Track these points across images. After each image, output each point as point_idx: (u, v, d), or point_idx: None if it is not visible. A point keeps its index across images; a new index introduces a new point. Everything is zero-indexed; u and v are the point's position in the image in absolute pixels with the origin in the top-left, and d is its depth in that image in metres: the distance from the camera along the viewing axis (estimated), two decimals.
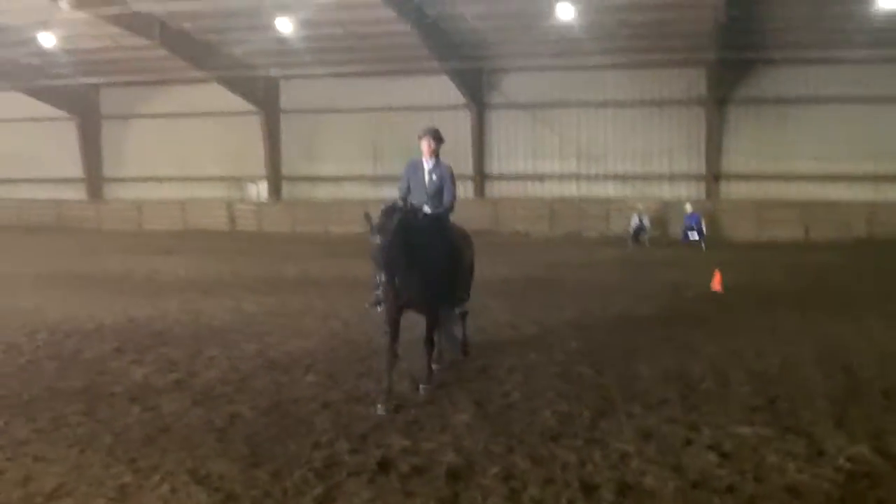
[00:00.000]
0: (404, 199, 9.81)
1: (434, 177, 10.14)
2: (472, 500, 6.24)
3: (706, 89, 35.33)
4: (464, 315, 11.15)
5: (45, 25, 33.46)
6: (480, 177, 38.80)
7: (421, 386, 9.46)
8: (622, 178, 37.28)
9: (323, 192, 40.55)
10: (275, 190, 41.99)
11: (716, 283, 18.35)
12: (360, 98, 38.82)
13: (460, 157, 38.31)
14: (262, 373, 10.42)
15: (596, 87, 36.54)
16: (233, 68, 37.80)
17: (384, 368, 9.20)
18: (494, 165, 39.00)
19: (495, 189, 39.10)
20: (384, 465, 6.96)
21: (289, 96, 41.06)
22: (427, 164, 10.19)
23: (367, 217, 8.72)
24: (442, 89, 37.65)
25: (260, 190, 42.33)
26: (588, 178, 37.83)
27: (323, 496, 6.35)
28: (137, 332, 13.16)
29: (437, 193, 10.13)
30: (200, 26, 34.78)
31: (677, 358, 11.16)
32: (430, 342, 9.61)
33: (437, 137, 10.23)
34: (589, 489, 6.42)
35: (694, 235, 31.73)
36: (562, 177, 38.11)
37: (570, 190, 38.06)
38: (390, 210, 8.81)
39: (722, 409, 8.65)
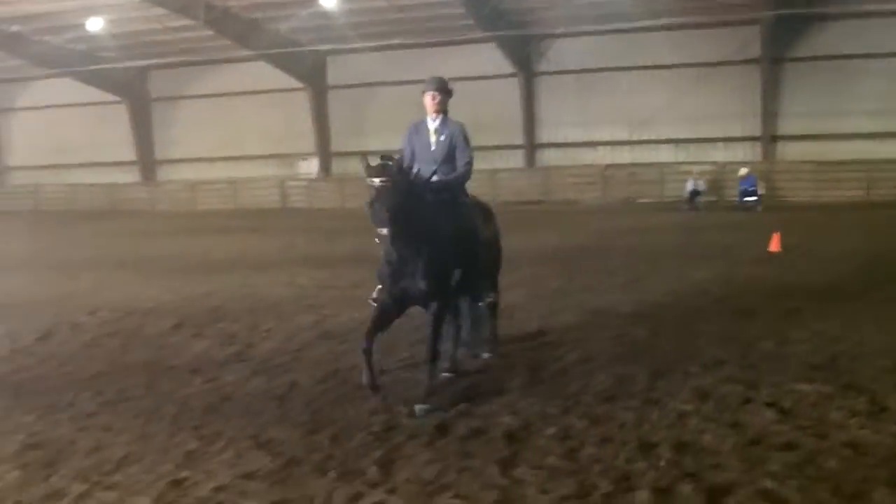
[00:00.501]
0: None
1: (442, 137, 8.46)
2: (530, 460, 6.27)
3: (761, 48, 34.71)
4: (493, 307, 9.17)
5: (92, 10, 33.82)
6: (531, 146, 38.64)
7: (417, 407, 7.46)
8: (675, 142, 36.90)
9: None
10: (324, 166, 42.20)
11: (774, 245, 18.14)
12: (406, 71, 38.65)
13: (510, 127, 38.27)
14: (318, 343, 10.54)
15: (646, 51, 36.07)
16: (278, 45, 37.94)
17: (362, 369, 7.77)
18: (544, 134, 38.79)
19: (545, 157, 38.92)
20: (442, 429, 7.02)
21: (335, 71, 41.14)
22: (432, 123, 8.53)
23: (364, 158, 7.41)
24: (489, 58, 37.46)
25: (310, 166, 42.56)
26: (640, 143, 37.49)
27: (383, 458, 6.42)
28: (195, 309, 13.36)
29: (448, 159, 8.46)
30: (245, 4, 34.96)
31: (734, 319, 11.09)
32: (431, 350, 7.78)
33: (443, 89, 8.54)
34: (647, 447, 6.41)
35: (750, 198, 31.33)
36: (613, 143, 37.79)
37: (623, 156, 37.74)
38: (389, 156, 7.50)
39: (781, 368, 8.57)
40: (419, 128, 8.62)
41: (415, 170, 8.12)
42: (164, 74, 43.92)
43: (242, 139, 42.41)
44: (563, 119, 38.23)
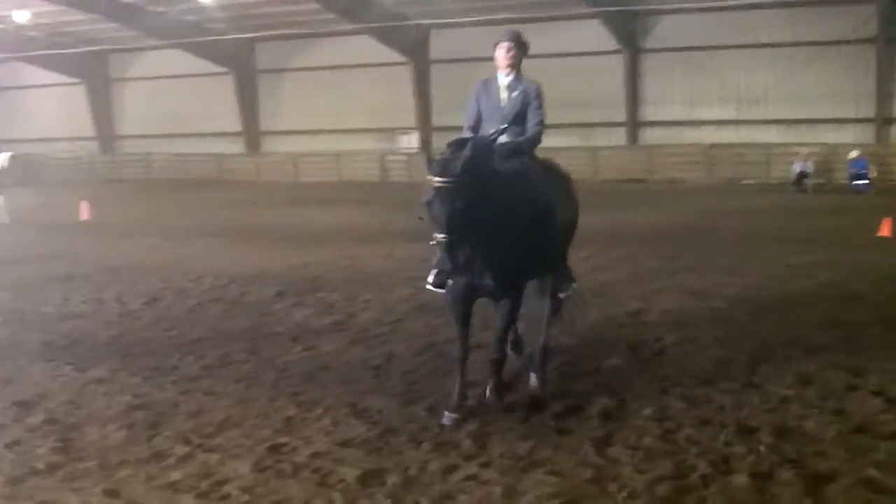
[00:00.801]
0: (473, 130, 7.52)
1: (514, 94, 7.47)
2: (625, 439, 6.24)
3: (877, 27, 33.50)
4: (557, 305, 7.79)
5: None
6: (633, 123, 38.08)
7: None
8: (784, 122, 35.91)
9: None
10: (425, 140, 42.35)
11: (884, 230, 17.59)
12: None
13: (613, 104, 37.76)
14: (415, 315, 10.62)
15: (756, 28, 35.08)
16: (383, 19, 38.10)
17: (455, 370, 6.99)
18: (649, 112, 38.18)
19: (649, 136, 38.33)
20: (537, 405, 7.01)
21: (438, 46, 41.13)
22: (503, 79, 7.54)
23: (426, 149, 6.82)
24: (593, 34, 36.95)
25: (411, 141, 42.75)
26: (747, 123, 36.56)
27: (478, 432, 6.45)
28: (297, 278, 13.58)
29: (518, 119, 7.46)
30: None
31: (840, 304, 10.81)
32: (500, 346, 7.01)
33: (519, 42, 7.59)
34: (746, 431, 6.31)
35: (861, 182, 30.40)
36: (719, 122, 36.97)
37: (729, 135, 36.87)
38: (460, 143, 6.50)
39: (889, 356, 8.29)
40: (488, 85, 7.63)
41: (480, 132, 7.43)
42: (270, 47, 44.47)
43: (345, 112, 42.72)
44: (667, 97, 37.52)
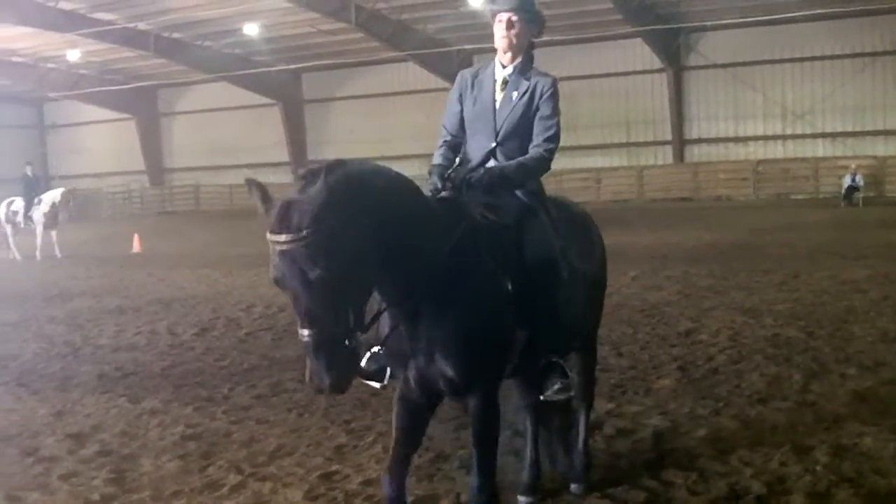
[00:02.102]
0: (447, 157, 5.18)
1: (514, 93, 5.07)
2: (678, 461, 6.16)
3: None
4: (586, 403, 5.81)
5: (248, 16, 34.92)
6: (679, 141, 37.89)
7: None
8: (832, 135, 35.53)
9: None
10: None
11: None
12: (552, 68, 38.30)
13: (658, 123, 37.64)
14: None
15: (801, 41, 34.85)
16: (426, 46, 38.36)
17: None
18: (694, 129, 37.97)
19: (695, 154, 38.10)
20: (589, 428, 6.95)
21: None
22: (501, 69, 5.14)
23: (256, 188, 3.98)
24: (637, 53, 36.98)
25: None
26: (794, 137, 36.27)
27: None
28: None
29: (518, 131, 5.06)
30: (393, 6, 35.45)
31: (895, 320, 10.61)
32: (480, 479, 4.64)
33: (527, 11, 5.07)
34: (801, 451, 6.20)
35: None
36: (766, 138, 36.68)
37: (776, 151, 36.59)
38: (313, 174, 3.88)
39: None
40: (478, 78, 5.23)
41: (458, 155, 5.23)
42: (315, 77, 44.94)
43: (391, 139, 42.96)
44: (712, 114, 37.34)
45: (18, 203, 24.76)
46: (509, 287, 4.57)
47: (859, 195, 31.16)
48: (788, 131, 36.25)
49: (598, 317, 5.96)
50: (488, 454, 4.65)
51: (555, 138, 5.09)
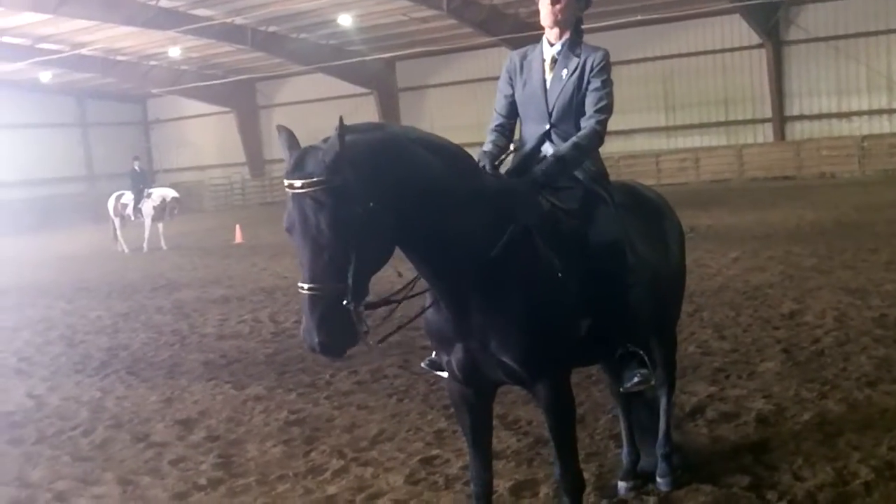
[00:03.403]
0: (498, 143, 4.97)
1: (564, 72, 4.85)
2: (783, 446, 6.05)
3: None
4: (667, 392, 5.65)
5: (342, 6, 35.22)
6: (780, 119, 36.96)
7: None
8: None
9: (612, 146, 40.12)
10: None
11: None
12: (647, 47, 37.94)
13: (758, 100, 36.78)
14: None
15: None
16: (519, 30, 38.13)
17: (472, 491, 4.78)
18: (795, 106, 36.99)
19: (797, 131, 37.13)
20: (692, 412, 6.88)
21: None
22: (549, 48, 4.95)
23: (287, 136, 4.01)
24: (734, 29, 36.16)
25: None
26: None
27: None
28: None
29: (571, 111, 4.85)
30: None
31: None
32: (565, 471, 4.55)
33: None
34: None
35: None
36: (871, 112, 35.53)
37: (882, 126, 35.38)
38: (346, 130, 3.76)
39: None
40: (527, 60, 5.02)
41: (510, 141, 5.05)
42: (409, 64, 45.10)
43: (486, 124, 42.66)
44: (814, 89, 36.29)
45: (128, 196, 25.52)
46: (570, 274, 4.35)
47: None
48: (895, 105, 35.06)
49: (676, 306, 5.77)
50: (567, 441, 4.52)
51: (606, 108, 4.79)
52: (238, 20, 37.27)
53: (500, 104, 5.07)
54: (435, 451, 6.48)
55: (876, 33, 34.40)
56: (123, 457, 6.88)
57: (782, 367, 8.01)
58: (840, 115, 35.91)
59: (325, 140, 3.80)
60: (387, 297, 4.32)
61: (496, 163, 4.76)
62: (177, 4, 34.78)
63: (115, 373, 9.81)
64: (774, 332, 9.38)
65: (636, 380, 4.70)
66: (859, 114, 35.51)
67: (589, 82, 4.79)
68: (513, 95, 5.02)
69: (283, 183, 3.77)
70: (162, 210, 24.91)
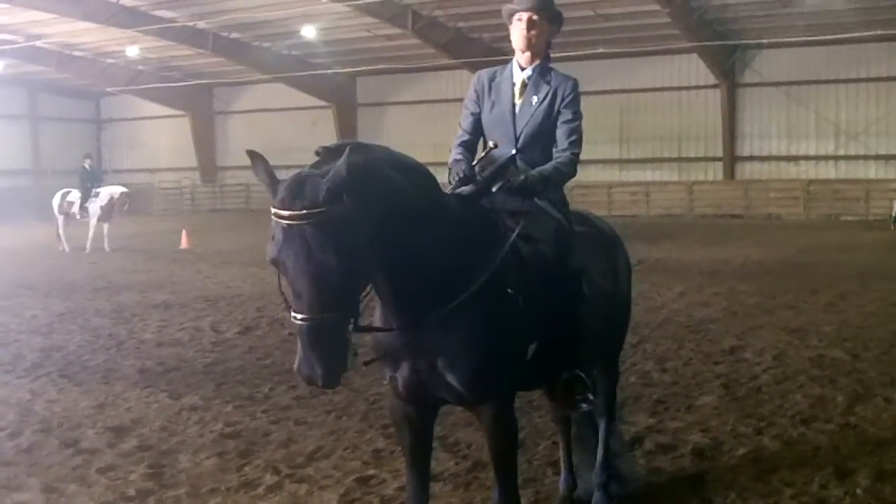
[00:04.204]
0: (464, 159, 4.91)
1: (534, 98, 4.86)
2: (718, 479, 6.09)
3: None
4: (606, 418, 5.67)
5: (307, 18, 35.15)
6: (731, 158, 37.49)
7: None
8: (885, 158, 35.02)
9: None
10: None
11: None
12: (607, 80, 38.31)
13: (710, 138, 37.32)
14: None
15: (856, 62, 34.38)
16: (482, 55, 38.30)
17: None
18: (746, 146, 37.59)
19: (746, 171, 37.71)
20: (630, 442, 6.89)
21: None
22: (520, 71, 4.93)
23: (262, 165, 3.73)
24: (692, 68, 36.74)
25: None
26: (847, 158, 35.79)
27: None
28: None
29: (539, 137, 4.86)
30: (451, 14, 35.46)
31: None
32: (501, 479, 4.44)
33: (547, 10, 4.86)
34: (843, 474, 6.11)
35: None
36: (818, 158, 36.24)
37: (828, 171, 36.12)
38: (334, 150, 3.82)
39: None
40: (496, 81, 4.98)
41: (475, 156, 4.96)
42: (370, 81, 45.10)
43: (444, 145, 42.47)
44: (765, 132, 36.92)
45: (74, 194, 25.07)
46: (523, 297, 4.31)
47: None
48: (841, 152, 35.77)
49: (621, 336, 5.82)
50: (507, 465, 4.44)
51: (579, 142, 4.86)
52: (201, 24, 37.03)
53: (466, 121, 5.06)
54: (371, 471, 6.42)
55: (827, 82, 35.22)
56: (50, 463, 6.72)
57: (720, 402, 8.07)
58: (788, 159, 36.62)
59: (318, 165, 3.75)
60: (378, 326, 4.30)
61: (467, 174, 4.71)
62: (138, 4, 34.51)
63: (47, 375, 9.59)
64: (715, 367, 9.47)
65: (583, 406, 4.75)
66: (807, 158, 36.25)
67: (560, 112, 4.83)
68: (479, 114, 5.01)
69: (271, 212, 3.60)
70: (109, 210, 24.52)
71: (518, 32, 4.83)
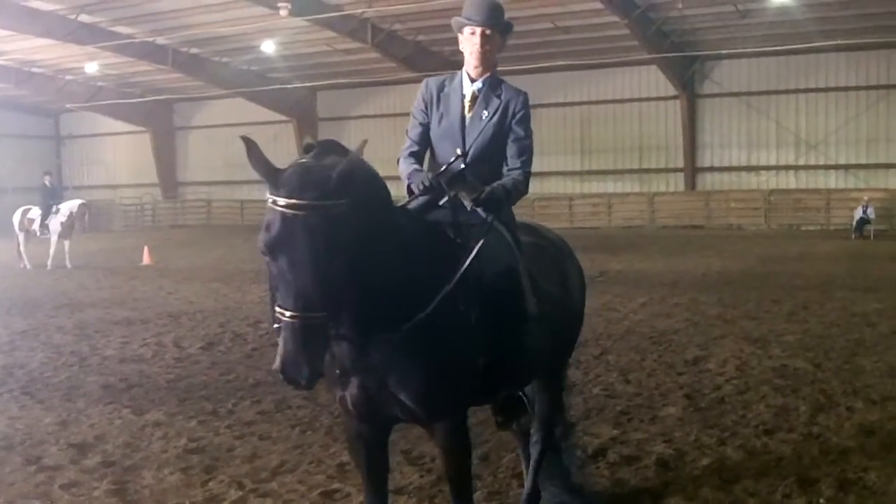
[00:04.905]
0: (422, 169, 4.79)
1: (485, 112, 4.71)
2: (682, 490, 6.12)
3: None
4: (545, 440, 5.54)
5: (266, 33, 35.09)
6: (692, 169, 37.86)
7: None
8: (844, 167, 35.50)
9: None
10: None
11: None
12: (568, 91, 38.61)
13: (671, 149, 37.64)
14: None
15: (816, 72, 34.91)
16: (442, 68, 38.42)
17: None
18: (707, 157, 37.96)
19: (707, 182, 38.06)
20: (594, 454, 6.93)
21: None
22: (470, 83, 4.79)
23: (257, 157, 3.73)
24: (651, 80, 37.07)
25: None
26: (807, 168, 36.24)
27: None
28: None
29: (489, 152, 4.72)
30: (410, 27, 35.54)
31: None
32: (456, 496, 4.46)
33: (499, 24, 4.71)
34: (806, 483, 6.17)
35: None
36: (778, 167, 36.67)
37: (789, 181, 36.56)
38: (328, 145, 3.86)
39: None
40: (445, 92, 4.84)
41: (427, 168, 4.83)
42: (331, 95, 45.10)
43: None
44: (726, 142, 37.34)
45: (35, 211, 24.82)
46: (472, 312, 4.26)
47: (871, 227, 31.09)
48: (801, 161, 36.23)
49: (570, 350, 5.74)
50: (463, 480, 4.42)
51: (530, 161, 4.77)
52: (160, 40, 36.91)
53: (414, 131, 4.89)
54: (336, 485, 6.39)
55: (786, 91, 35.63)
56: (13, 480, 6.64)
57: (684, 413, 8.12)
58: (749, 169, 37.00)
59: (318, 157, 3.70)
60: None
61: (436, 178, 4.54)
62: (97, 20, 34.30)
63: (10, 392, 9.48)
64: (678, 378, 9.53)
65: (520, 422, 4.81)
66: (767, 168, 36.65)
67: (511, 129, 4.71)
68: (428, 125, 4.85)
69: (268, 198, 3.55)
70: (70, 226, 24.26)
71: (471, 47, 4.72)
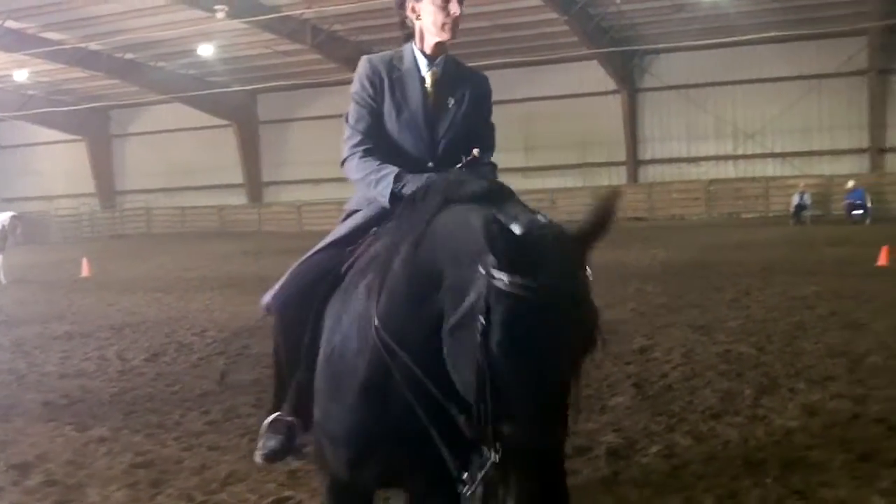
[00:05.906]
0: (402, 174, 3.83)
1: (451, 101, 3.99)
2: (633, 478, 6.16)
3: (868, 60, 33.80)
4: None
5: (204, 37, 34.77)
6: (634, 162, 38.25)
7: None
8: (781, 156, 36.12)
9: None
10: None
11: (882, 259, 17.58)
12: (509, 89, 38.65)
13: (613, 143, 37.97)
14: None
15: (752, 64, 35.44)
16: None
17: None
18: (648, 150, 38.37)
19: (649, 174, 38.48)
20: None
21: None
22: (428, 65, 4.00)
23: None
24: (592, 75, 37.35)
25: None
26: (745, 157, 36.82)
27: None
28: None
29: (462, 148, 3.87)
30: (351, 28, 35.44)
31: (842, 334, 10.77)
32: None
33: None
34: (753, 465, 6.23)
35: (858, 212, 30.54)
36: (718, 158, 37.19)
37: (727, 171, 37.11)
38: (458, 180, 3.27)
39: (890, 383, 8.28)
40: (398, 75, 4.03)
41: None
42: (272, 98, 44.80)
43: None
44: (666, 135, 37.81)
45: None
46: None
47: (807, 214, 31.65)
48: (739, 151, 36.80)
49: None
50: None
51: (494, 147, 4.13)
52: (93, 45, 36.35)
53: (362, 123, 4.04)
54: (288, 493, 6.31)
55: (723, 84, 36.17)
56: None
57: (633, 402, 8.17)
58: (689, 160, 37.50)
59: (507, 209, 2.94)
60: None
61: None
62: (26, 26, 33.68)
63: None
64: (626, 367, 9.58)
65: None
66: (707, 159, 37.18)
67: (483, 118, 4.10)
68: (380, 114, 4.02)
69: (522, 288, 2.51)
70: (2, 239, 23.74)
71: (442, 13, 3.85)
